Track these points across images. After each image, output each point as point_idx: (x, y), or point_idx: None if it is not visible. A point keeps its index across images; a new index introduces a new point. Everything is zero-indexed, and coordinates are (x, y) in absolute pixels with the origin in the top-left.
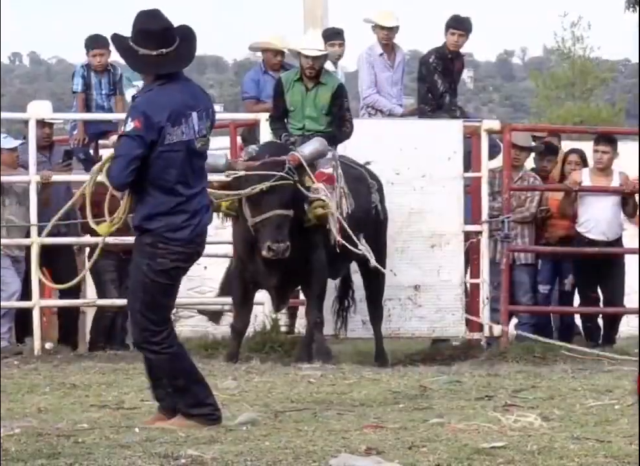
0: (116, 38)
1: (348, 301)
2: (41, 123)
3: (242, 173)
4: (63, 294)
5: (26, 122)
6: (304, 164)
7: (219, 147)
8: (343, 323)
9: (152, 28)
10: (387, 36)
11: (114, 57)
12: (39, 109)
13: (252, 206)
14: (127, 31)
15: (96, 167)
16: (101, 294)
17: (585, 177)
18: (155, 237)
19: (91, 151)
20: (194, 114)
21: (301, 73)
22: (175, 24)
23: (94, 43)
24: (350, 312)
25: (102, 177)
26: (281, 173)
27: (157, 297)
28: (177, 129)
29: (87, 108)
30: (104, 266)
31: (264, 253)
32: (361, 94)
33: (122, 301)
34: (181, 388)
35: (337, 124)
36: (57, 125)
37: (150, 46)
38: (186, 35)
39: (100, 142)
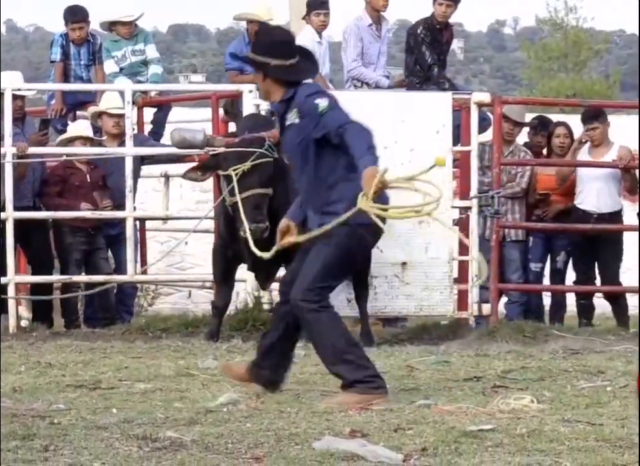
0: None
1: None
2: (13, 96)
3: (221, 150)
4: (36, 271)
5: None
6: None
7: (201, 119)
8: None
9: None
10: (384, 5)
11: (94, 26)
12: (11, 80)
13: (230, 185)
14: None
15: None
16: (64, 273)
17: (584, 154)
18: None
19: (69, 122)
20: None
21: None
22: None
23: (73, 16)
24: None
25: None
26: (260, 150)
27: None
28: None
29: (65, 78)
30: (72, 245)
31: (242, 234)
32: (346, 66)
33: (98, 278)
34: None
35: None
36: (33, 96)
37: None
38: None
39: (78, 113)
